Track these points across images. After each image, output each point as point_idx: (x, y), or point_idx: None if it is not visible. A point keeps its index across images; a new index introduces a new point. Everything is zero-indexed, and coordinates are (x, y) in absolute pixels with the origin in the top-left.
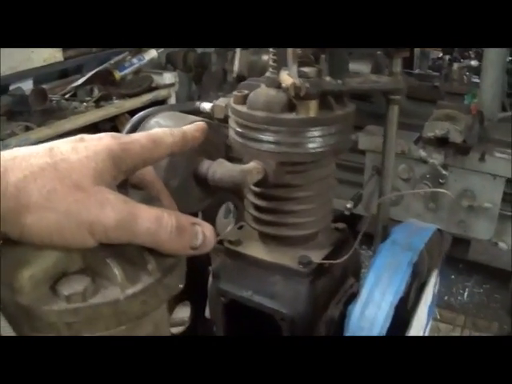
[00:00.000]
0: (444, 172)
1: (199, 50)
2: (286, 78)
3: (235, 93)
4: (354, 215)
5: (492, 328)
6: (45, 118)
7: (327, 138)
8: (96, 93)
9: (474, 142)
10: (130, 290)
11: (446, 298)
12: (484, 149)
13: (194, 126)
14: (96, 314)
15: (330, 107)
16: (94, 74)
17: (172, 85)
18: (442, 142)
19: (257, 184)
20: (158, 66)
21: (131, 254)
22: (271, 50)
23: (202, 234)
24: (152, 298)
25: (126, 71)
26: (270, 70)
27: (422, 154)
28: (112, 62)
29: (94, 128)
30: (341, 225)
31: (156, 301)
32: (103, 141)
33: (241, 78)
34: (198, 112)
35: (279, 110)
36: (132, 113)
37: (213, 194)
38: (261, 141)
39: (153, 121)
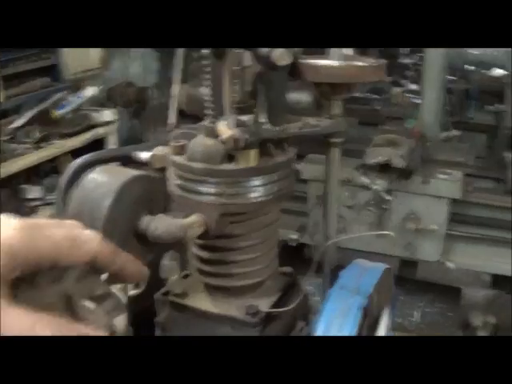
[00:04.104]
0: (387, 198)
1: (139, 85)
2: (224, 130)
3: (172, 143)
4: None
5: None
6: None
7: (269, 187)
8: (36, 134)
9: (416, 165)
10: None
11: (399, 320)
12: (427, 171)
13: (134, 265)
14: None
15: (269, 154)
16: (33, 114)
17: (112, 122)
18: (384, 168)
19: (199, 236)
20: (98, 103)
21: None
22: (207, 98)
23: None
24: None
25: (65, 110)
26: (208, 118)
27: (365, 180)
28: (50, 100)
29: (35, 169)
30: (287, 269)
31: None
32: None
33: (181, 112)
34: (135, 159)
35: (219, 160)
36: (72, 152)
37: (154, 249)
38: (201, 193)
39: (89, 177)
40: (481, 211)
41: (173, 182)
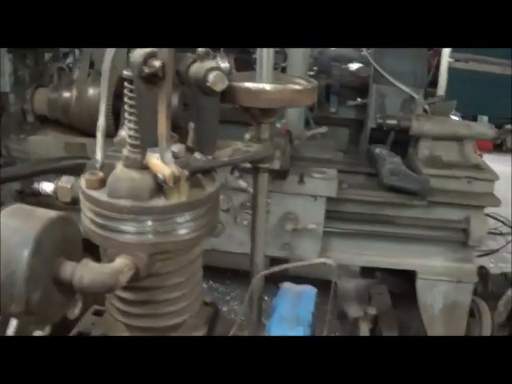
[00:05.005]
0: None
1: None
2: (160, 166)
3: (87, 176)
4: None
5: None
6: None
7: (200, 221)
8: None
9: (288, 164)
10: None
11: None
12: (301, 171)
13: None
14: None
15: (199, 185)
16: None
17: None
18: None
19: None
20: None
21: None
22: (130, 125)
23: None
24: None
25: None
26: (129, 148)
27: (242, 184)
28: None
29: None
30: (208, 298)
31: None
32: None
33: (42, 118)
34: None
35: (147, 196)
36: None
37: (74, 296)
38: (128, 232)
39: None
40: (356, 207)
41: (90, 220)
